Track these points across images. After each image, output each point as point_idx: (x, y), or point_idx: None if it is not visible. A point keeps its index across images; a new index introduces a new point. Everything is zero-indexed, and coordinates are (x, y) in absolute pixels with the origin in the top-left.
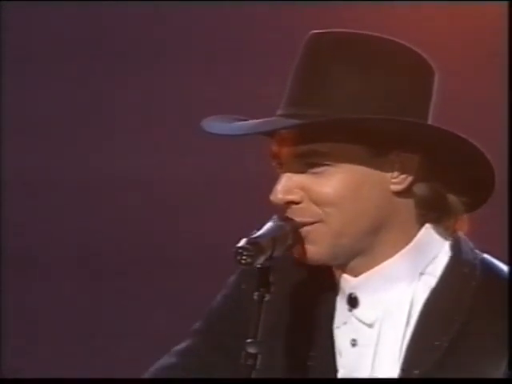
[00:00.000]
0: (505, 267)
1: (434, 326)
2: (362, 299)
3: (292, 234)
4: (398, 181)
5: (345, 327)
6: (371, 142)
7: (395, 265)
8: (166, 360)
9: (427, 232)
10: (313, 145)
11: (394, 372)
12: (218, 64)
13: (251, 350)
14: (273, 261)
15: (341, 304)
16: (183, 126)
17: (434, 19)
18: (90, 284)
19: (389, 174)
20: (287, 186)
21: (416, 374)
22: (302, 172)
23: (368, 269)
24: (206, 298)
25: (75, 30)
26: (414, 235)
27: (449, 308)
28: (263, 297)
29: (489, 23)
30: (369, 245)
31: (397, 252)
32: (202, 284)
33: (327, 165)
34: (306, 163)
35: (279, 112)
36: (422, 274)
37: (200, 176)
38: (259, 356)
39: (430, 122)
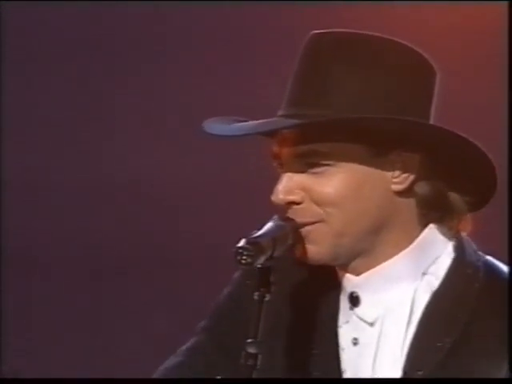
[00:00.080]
0: (508, 269)
1: (437, 327)
2: (364, 298)
3: (292, 233)
4: (399, 180)
5: (346, 326)
6: (372, 142)
7: (397, 264)
8: (173, 359)
9: (431, 232)
10: (313, 145)
11: (394, 371)
12: (218, 64)
13: (251, 350)
14: (273, 261)
15: (343, 303)
16: (183, 126)
17: (434, 19)
18: (90, 284)
19: (390, 174)
20: (288, 186)
21: (419, 374)
22: (303, 172)
23: (369, 268)
24: (206, 298)
25: (75, 30)
26: (417, 235)
27: (451, 309)
28: (263, 297)
29: (489, 23)
30: (370, 245)
31: (398, 252)
32: (202, 284)
33: (328, 165)
34: (307, 163)
35: (280, 112)
36: (424, 274)
37: (200, 176)
38: (259, 356)
39: (431, 121)
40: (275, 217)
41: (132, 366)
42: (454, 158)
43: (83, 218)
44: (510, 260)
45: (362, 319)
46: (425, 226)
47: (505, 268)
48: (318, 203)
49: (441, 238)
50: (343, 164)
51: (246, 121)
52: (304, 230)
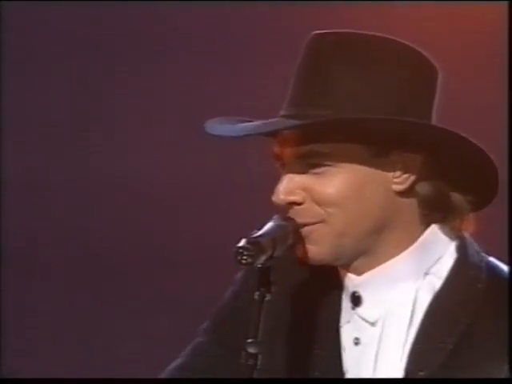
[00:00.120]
0: (510, 271)
1: (439, 328)
2: (365, 297)
3: (293, 233)
4: (400, 180)
5: (348, 326)
6: (372, 142)
7: (399, 264)
8: (178, 361)
9: (433, 232)
10: (314, 145)
11: (396, 371)
12: (218, 64)
13: (251, 350)
14: (273, 260)
15: (344, 302)
16: (183, 126)
17: (433, 19)
18: (90, 284)
19: (391, 174)
20: (289, 186)
21: (421, 375)
22: (304, 172)
23: (371, 268)
24: (206, 297)
25: (75, 30)
26: (419, 235)
27: (454, 310)
28: (264, 296)
29: (489, 23)
30: (372, 245)
31: (400, 252)
32: (201, 284)
33: (329, 165)
34: (308, 164)
35: (281, 113)
36: (426, 274)
37: (200, 176)
38: (260, 356)
39: (433, 121)
40: (276, 217)
41: (132, 365)
42: (455, 157)
43: (83, 217)
44: (511, 260)
45: (363, 319)
46: (427, 226)
47: (507, 269)
48: (319, 203)
49: (443, 238)
50: (344, 164)
51: (249, 121)
52: (305, 231)
